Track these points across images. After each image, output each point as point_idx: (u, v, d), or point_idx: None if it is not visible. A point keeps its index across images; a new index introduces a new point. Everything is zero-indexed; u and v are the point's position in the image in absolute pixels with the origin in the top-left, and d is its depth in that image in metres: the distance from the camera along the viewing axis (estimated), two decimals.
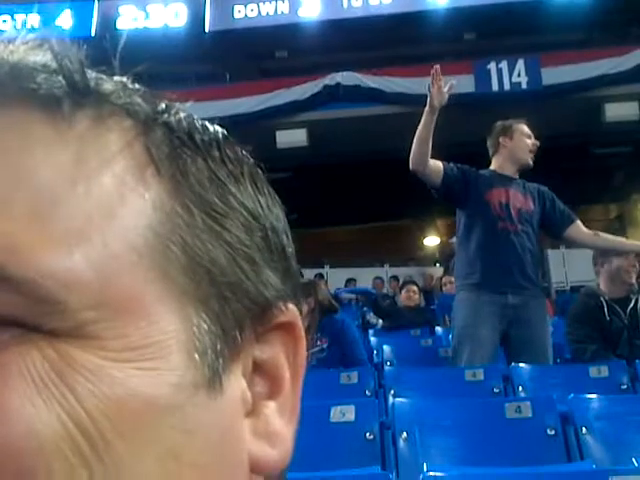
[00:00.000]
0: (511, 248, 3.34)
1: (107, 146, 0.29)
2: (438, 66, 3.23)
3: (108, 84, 0.31)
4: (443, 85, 3.17)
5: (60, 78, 0.29)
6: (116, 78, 0.32)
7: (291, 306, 0.34)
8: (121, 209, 0.28)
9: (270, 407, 0.32)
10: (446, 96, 3.16)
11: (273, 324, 0.33)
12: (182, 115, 0.32)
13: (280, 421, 0.32)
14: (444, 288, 7.41)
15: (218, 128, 0.34)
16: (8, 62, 0.29)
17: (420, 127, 3.21)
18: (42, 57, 0.30)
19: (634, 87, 9.63)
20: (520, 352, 3.29)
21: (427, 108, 3.19)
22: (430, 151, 3.22)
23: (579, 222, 3.56)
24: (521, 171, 3.57)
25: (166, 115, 0.32)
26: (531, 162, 3.53)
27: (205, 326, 0.29)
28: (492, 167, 3.58)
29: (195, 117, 0.33)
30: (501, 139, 3.55)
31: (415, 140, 3.22)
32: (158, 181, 0.30)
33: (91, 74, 0.30)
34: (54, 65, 0.29)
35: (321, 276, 10.23)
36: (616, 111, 9.77)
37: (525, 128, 3.57)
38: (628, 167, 11.58)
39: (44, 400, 0.25)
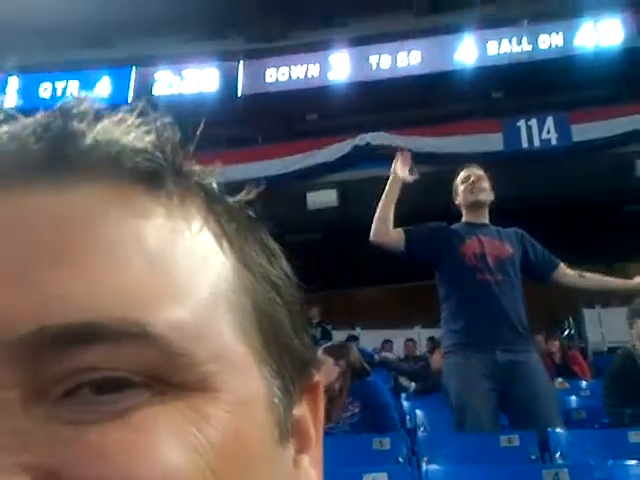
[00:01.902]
0: (493, 300, 3.21)
1: (194, 220, 0.33)
2: (408, 153, 3.40)
3: (192, 165, 0.35)
4: (407, 162, 3.29)
5: (161, 158, 0.32)
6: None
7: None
8: (212, 273, 0.32)
9: (305, 460, 0.35)
10: (410, 178, 3.27)
11: (309, 384, 0.36)
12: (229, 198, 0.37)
13: (314, 472, 0.36)
14: None
15: (240, 199, 0.37)
16: (119, 142, 0.32)
17: (384, 196, 3.25)
18: (147, 137, 0.33)
19: None
20: (521, 415, 3.12)
21: (392, 177, 3.25)
22: (392, 220, 3.24)
23: (562, 264, 3.46)
24: (488, 211, 3.49)
25: (226, 195, 0.36)
26: (480, 198, 3.43)
27: (275, 382, 0.33)
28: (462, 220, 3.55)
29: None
30: (455, 201, 3.54)
31: (378, 209, 3.25)
32: (230, 250, 0.34)
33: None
34: (157, 145, 0.33)
35: (355, 338, 10.08)
36: None
37: (459, 177, 3.52)
38: None
39: (188, 451, 0.28)
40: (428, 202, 10.40)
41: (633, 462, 2.47)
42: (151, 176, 0.32)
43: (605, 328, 10.94)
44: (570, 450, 2.98)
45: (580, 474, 2.37)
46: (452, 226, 3.48)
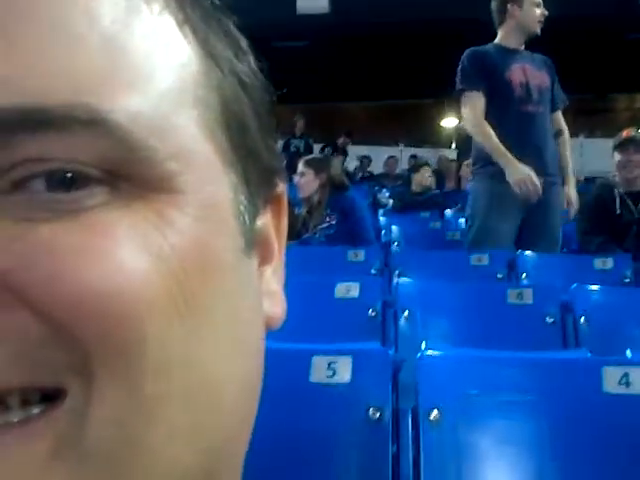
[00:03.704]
0: (534, 132, 3.25)
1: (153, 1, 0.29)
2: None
3: None
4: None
5: None
6: None
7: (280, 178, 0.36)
8: (173, 60, 0.28)
9: (268, 271, 0.35)
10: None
11: (274, 194, 0.35)
12: None
13: (275, 282, 0.36)
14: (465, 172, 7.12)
15: None
16: None
17: (497, 152, 3.21)
18: None
19: None
20: (531, 237, 3.29)
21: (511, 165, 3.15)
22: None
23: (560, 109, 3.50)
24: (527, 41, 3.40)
25: None
26: (539, 31, 3.34)
27: (241, 189, 0.31)
28: (497, 39, 3.40)
29: None
30: (509, 6, 3.32)
31: (489, 148, 3.24)
32: (195, 40, 0.30)
33: None
34: None
35: (343, 151, 10.12)
36: None
37: None
38: None
39: (152, 257, 0.26)
40: (422, 17, 10.01)
41: (594, 287, 2.57)
42: None
43: (585, 158, 11.02)
44: (537, 272, 3.11)
45: (543, 295, 2.47)
46: (487, 48, 3.36)
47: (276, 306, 0.35)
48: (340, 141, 10.89)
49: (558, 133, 3.46)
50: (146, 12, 0.28)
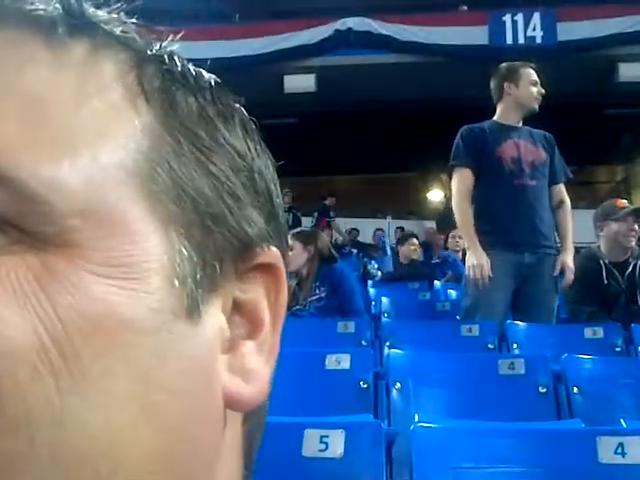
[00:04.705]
0: (527, 205, 3.30)
1: (101, 74, 0.30)
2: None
3: (104, 14, 0.32)
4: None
5: (57, 3, 0.30)
6: (112, 11, 0.33)
7: (274, 248, 0.34)
8: (111, 130, 0.29)
9: (248, 346, 0.33)
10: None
11: (254, 264, 0.33)
12: (176, 56, 0.34)
13: (257, 360, 0.33)
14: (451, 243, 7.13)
15: (212, 75, 0.35)
16: None
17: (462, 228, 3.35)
18: None
19: None
20: (527, 307, 3.31)
21: (471, 249, 3.25)
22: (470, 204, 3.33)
23: (563, 182, 3.55)
24: (526, 117, 3.48)
25: (159, 50, 0.33)
26: (537, 108, 3.43)
27: (186, 253, 0.30)
28: (496, 116, 3.48)
29: (189, 64, 0.35)
30: (505, 85, 3.42)
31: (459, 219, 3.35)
32: (147, 110, 0.31)
33: (88, 3, 0.31)
34: None
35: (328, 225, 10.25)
36: (630, 71, 9.60)
37: (532, 74, 3.44)
38: (637, 129, 11.45)
39: (22, 308, 0.25)
40: (410, 92, 10.28)
41: (586, 356, 2.57)
42: (45, 22, 0.29)
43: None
44: (527, 342, 3.10)
45: (535, 365, 2.46)
46: (484, 125, 3.44)
47: (248, 385, 0.32)
48: (327, 202, 11.06)
49: (559, 204, 3.51)
50: (84, 86, 0.29)
